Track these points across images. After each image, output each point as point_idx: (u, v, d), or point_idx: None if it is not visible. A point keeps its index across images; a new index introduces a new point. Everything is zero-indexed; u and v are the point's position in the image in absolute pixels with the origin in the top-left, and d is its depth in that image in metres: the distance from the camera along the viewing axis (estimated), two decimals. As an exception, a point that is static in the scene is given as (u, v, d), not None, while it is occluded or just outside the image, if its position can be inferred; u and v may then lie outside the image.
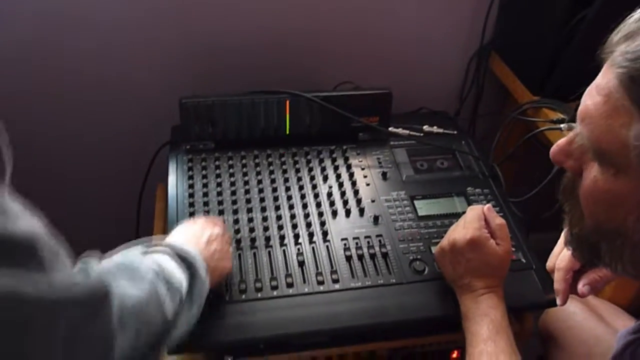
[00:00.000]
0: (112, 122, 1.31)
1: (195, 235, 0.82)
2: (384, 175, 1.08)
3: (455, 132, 1.21)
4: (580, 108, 0.54)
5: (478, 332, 0.78)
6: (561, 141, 0.58)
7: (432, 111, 1.32)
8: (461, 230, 0.84)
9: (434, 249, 0.91)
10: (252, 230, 0.96)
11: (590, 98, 0.52)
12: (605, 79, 0.50)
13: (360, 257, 0.93)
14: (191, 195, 1.01)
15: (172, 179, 1.05)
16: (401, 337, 0.95)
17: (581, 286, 0.78)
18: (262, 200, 1.01)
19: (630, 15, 0.50)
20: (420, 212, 1.02)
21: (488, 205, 0.88)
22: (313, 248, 0.94)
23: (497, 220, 0.85)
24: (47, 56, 1.18)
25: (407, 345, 1.04)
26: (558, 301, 0.81)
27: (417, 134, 1.18)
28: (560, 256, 0.81)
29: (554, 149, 0.59)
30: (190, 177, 1.05)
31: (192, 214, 0.98)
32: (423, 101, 1.34)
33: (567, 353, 1.01)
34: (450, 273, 0.85)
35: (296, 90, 1.10)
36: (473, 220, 0.84)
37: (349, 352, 1.02)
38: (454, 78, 1.42)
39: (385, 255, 0.94)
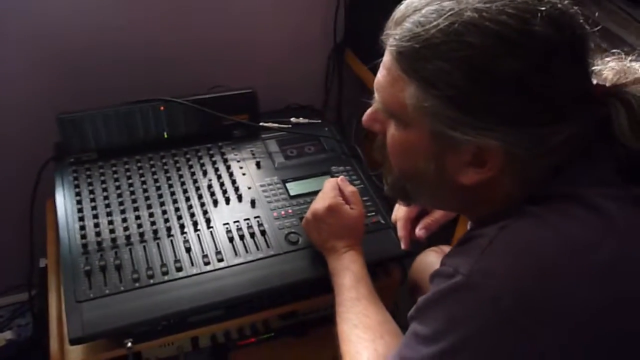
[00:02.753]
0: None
1: None
2: (258, 164, 1.21)
3: (320, 121, 1.36)
4: (375, 81, 0.69)
5: (342, 283, 0.90)
6: (368, 110, 0.73)
7: (300, 106, 1.47)
8: (320, 201, 0.97)
9: (303, 222, 1.05)
10: (140, 226, 1.05)
11: (380, 72, 0.67)
12: (386, 57, 0.65)
13: (242, 237, 1.05)
14: (79, 202, 1.08)
15: (59, 191, 1.12)
16: (285, 302, 1.08)
17: (418, 230, 0.95)
18: (147, 199, 1.10)
19: (400, 4, 0.65)
20: (292, 192, 1.15)
21: (341, 177, 1.03)
22: (198, 235, 1.05)
23: (349, 188, 1.00)
24: None
25: (294, 310, 1.17)
26: (402, 246, 0.98)
27: (286, 125, 1.32)
28: (398, 208, 0.98)
29: (363, 118, 0.73)
30: (77, 186, 1.12)
31: (81, 219, 1.05)
32: (292, 98, 1.48)
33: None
34: (316, 239, 0.98)
35: (169, 97, 1.20)
36: (328, 191, 0.98)
37: (244, 323, 1.14)
38: (317, 75, 1.58)
39: (263, 233, 1.06)
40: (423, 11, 0.60)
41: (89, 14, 1.26)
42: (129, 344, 0.93)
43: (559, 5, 0.59)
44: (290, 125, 1.32)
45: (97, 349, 0.98)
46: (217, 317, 1.04)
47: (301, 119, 1.35)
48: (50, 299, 1.07)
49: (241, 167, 1.20)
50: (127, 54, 1.32)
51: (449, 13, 0.58)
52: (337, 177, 1.10)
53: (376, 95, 0.69)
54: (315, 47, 1.54)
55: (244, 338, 1.20)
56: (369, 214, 1.11)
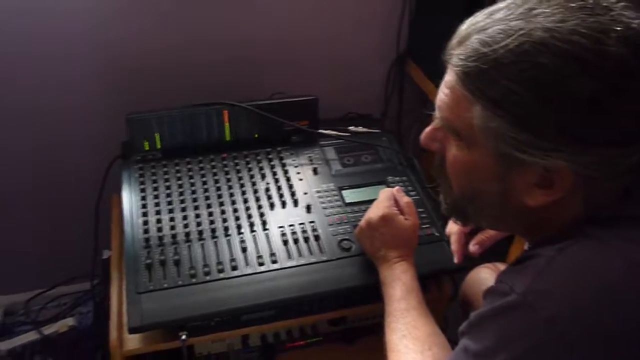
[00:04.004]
0: (66, 141, 1.42)
1: None
2: (315, 170, 1.23)
3: (379, 131, 1.37)
4: (436, 100, 0.69)
5: (393, 294, 0.90)
6: (427, 129, 0.73)
7: (359, 114, 1.48)
8: (374, 210, 0.98)
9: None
10: (199, 224, 1.08)
11: (442, 91, 0.67)
12: (449, 77, 0.65)
13: (296, 241, 1.07)
14: (143, 199, 1.13)
15: (125, 187, 1.17)
16: (335, 308, 1.09)
17: (471, 246, 0.95)
18: (207, 198, 1.14)
19: (463, 22, 0.66)
20: (347, 200, 1.17)
21: (397, 187, 1.03)
22: (254, 236, 1.08)
23: (405, 199, 1.00)
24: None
25: (343, 317, 1.18)
26: (455, 260, 0.97)
27: (344, 133, 1.33)
28: (452, 223, 0.97)
29: (422, 136, 0.74)
30: (142, 184, 1.17)
31: (144, 215, 1.10)
32: (351, 106, 1.50)
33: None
34: (368, 248, 0.99)
35: (233, 101, 1.23)
36: (383, 200, 0.99)
37: (293, 325, 1.16)
38: (377, 84, 1.60)
39: (317, 238, 1.08)
40: (489, 31, 0.60)
41: (155, 18, 1.31)
42: (183, 337, 0.97)
43: (633, 25, 0.57)
44: (348, 134, 1.34)
45: (152, 339, 1.02)
46: (268, 317, 1.07)
47: (360, 127, 1.36)
48: (111, 290, 1.12)
49: (298, 173, 1.22)
50: (191, 57, 1.37)
51: (518, 33, 0.57)
52: (393, 187, 1.10)
53: (438, 114, 0.69)
54: (377, 57, 1.55)
55: (293, 340, 1.22)
56: (423, 226, 1.11)
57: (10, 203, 1.48)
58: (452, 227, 0.99)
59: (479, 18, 0.63)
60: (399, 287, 0.90)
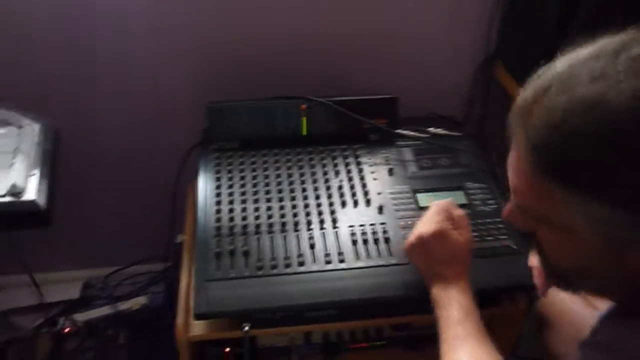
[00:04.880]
0: (150, 124, 1.46)
1: None
2: (390, 171, 1.20)
3: (460, 134, 1.32)
4: (510, 182, 0.64)
5: (448, 317, 0.84)
6: (504, 212, 0.69)
7: (441, 116, 1.43)
8: (425, 225, 0.91)
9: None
10: (270, 217, 1.09)
11: (512, 171, 0.62)
12: (518, 154, 0.60)
13: (365, 242, 1.05)
14: (218, 188, 1.15)
15: (201, 175, 1.19)
16: (401, 313, 1.06)
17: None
18: (279, 192, 1.14)
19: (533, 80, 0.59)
20: (422, 204, 1.13)
21: (449, 199, 0.96)
22: (323, 233, 1.06)
23: (457, 212, 0.93)
24: (80, 60, 1.34)
25: (408, 323, 1.15)
26: (539, 294, 0.91)
27: (424, 135, 1.29)
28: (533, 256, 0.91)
29: (503, 212, 0.70)
30: (217, 172, 1.18)
31: (218, 204, 1.11)
32: (433, 107, 1.45)
33: (557, 333, 1.10)
34: (420, 264, 0.92)
35: (312, 95, 1.23)
36: (434, 214, 0.92)
37: (357, 327, 1.14)
38: (462, 86, 1.54)
39: (387, 240, 1.05)
40: (562, 98, 0.55)
41: (243, 6, 1.32)
42: (246, 328, 0.97)
43: None
44: (428, 135, 1.30)
45: (217, 327, 1.03)
46: (332, 316, 1.05)
47: (440, 129, 1.32)
48: (182, 274, 1.14)
49: (373, 172, 1.20)
50: (275, 48, 1.37)
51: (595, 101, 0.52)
52: (472, 194, 1.05)
53: (513, 197, 0.64)
54: (463, 58, 1.49)
55: (356, 341, 1.20)
56: (500, 237, 1.06)
57: (97, 184, 1.55)
58: (534, 261, 0.92)
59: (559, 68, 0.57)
60: (456, 309, 0.84)
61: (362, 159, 1.23)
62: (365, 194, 1.14)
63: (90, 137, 1.45)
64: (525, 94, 0.59)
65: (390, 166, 1.21)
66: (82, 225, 1.57)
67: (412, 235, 0.92)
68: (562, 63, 0.58)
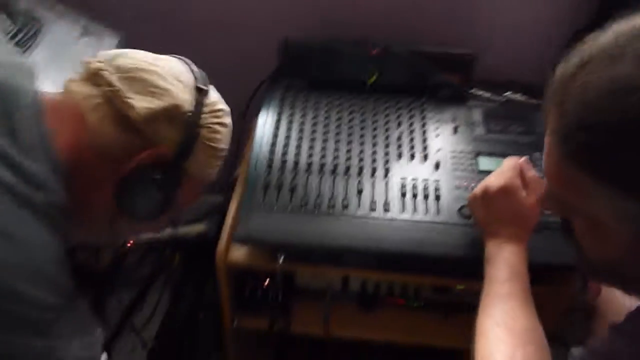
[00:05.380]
0: (223, 56, 1.45)
1: None
2: (455, 129, 1.15)
3: (538, 103, 1.24)
4: (544, 165, 0.59)
5: (495, 275, 0.81)
6: (539, 199, 0.67)
7: (521, 82, 1.35)
8: (495, 178, 0.88)
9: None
10: (322, 157, 1.08)
11: (547, 158, 0.58)
12: (551, 140, 0.56)
13: (414, 196, 1.02)
14: (277, 123, 1.15)
15: (264, 110, 1.20)
16: (439, 274, 1.03)
17: None
18: (337, 134, 1.13)
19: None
20: (481, 167, 1.08)
21: (525, 157, 0.91)
22: (373, 181, 1.04)
23: (531, 173, 0.89)
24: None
25: (448, 286, 1.12)
26: (589, 296, 0.86)
27: (498, 98, 1.23)
28: None
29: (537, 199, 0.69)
30: (280, 108, 1.18)
31: (274, 138, 1.12)
32: (514, 72, 1.37)
33: (604, 321, 1.04)
34: (481, 218, 0.89)
35: (387, 43, 1.19)
36: (507, 170, 0.88)
37: (396, 281, 1.12)
38: (550, 53, 1.43)
39: (437, 198, 1.02)
40: (601, 76, 0.49)
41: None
42: (282, 258, 0.98)
43: None
44: (502, 99, 1.23)
45: (255, 257, 1.05)
46: (369, 264, 1.04)
47: (518, 95, 1.24)
48: (231, 204, 1.16)
49: (437, 128, 1.15)
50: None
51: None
52: (539, 165, 0.98)
53: (547, 180, 0.59)
54: (557, 22, 1.39)
55: (393, 297, 1.19)
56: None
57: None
58: None
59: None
60: (505, 268, 0.81)
61: (428, 114, 1.18)
62: (424, 148, 1.11)
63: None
64: (563, 67, 0.54)
65: (456, 125, 1.16)
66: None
67: (479, 187, 0.89)
68: (609, 34, 0.52)
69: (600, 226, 0.55)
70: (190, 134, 0.71)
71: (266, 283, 1.16)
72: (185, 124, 0.71)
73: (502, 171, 0.89)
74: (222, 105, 0.77)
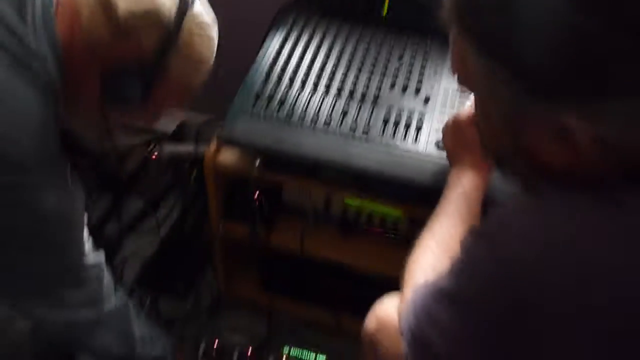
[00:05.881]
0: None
1: None
2: (455, 70, 1.16)
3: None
4: None
5: (448, 196, 0.84)
6: None
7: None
8: (467, 108, 0.90)
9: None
10: (318, 78, 1.11)
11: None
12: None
13: (396, 124, 1.05)
14: (284, 40, 1.19)
15: (273, 29, 1.23)
16: (412, 202, 1.06)
17: None
18: (338, 59, 1.16)
19: None
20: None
21: None
22: (360, 105, 1.07)
23: None
24: None
25: (421, 217, 1.15)
26: None
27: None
28: None
29: None
30: (289, 29, 1.22)
31: (277, 53, 1.16)
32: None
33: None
34: (448, 145, 0.91)
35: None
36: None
37: (375, 210, 1.16)
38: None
39: (418, 129, 1.04)
40: None
41: None
42: (257, 163, 1.04)
43: None
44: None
45: (240, 162, 1.11)
46: (345, 183, 1.08)
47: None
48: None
49: (437, 66, 1.16)
50: None
51: None
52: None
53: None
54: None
55: (372, 226, 1.23)
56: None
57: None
58: None
59: None
60: (457, 189, 0.84)
61: (433, 54, 1.19)
62: (419, 82, 1.12)
63: None
64: None
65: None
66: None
67: (451, 117, 0.91)
68: None
69: (482, 102, 0.57)
70: (168, 38, 0.77)
71: (257, 192, 1.22)
72: (165, 29, 0.76)
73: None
74: (206, 18, 0.82)
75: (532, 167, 0.53)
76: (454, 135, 0.90)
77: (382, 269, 1.18)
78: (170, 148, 1.81)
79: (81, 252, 0.88)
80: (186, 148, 1.82)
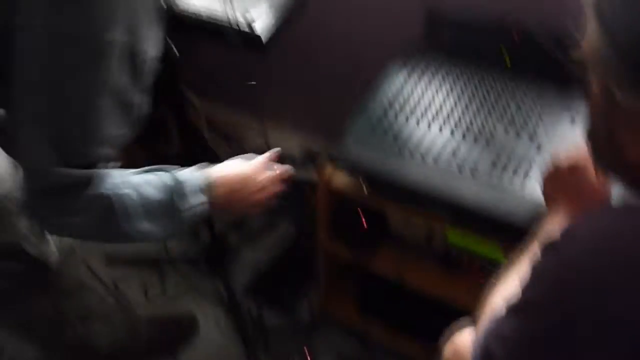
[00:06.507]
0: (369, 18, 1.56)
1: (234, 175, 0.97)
2: (573, 119, 1.16)
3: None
4: None
5: (538, 236, 0.85)
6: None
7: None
8: (568, 153, 0.90)
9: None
10: (435, 114, 1.18)
11: None
12: None
13: (505, 167, 1.07)
14: (410, 72, 1.27)
15: (400, 62, 1.30)
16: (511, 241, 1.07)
17: None
18: (458, 99, 1.21)
19: None
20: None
21: None
22: (471, 145, 1.11)
23: None
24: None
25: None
26: None
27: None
28: None
29: None
30: (413, 65, 1.30)
31: (402, 86, 1.24)
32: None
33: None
34: (547, 189, 0.91)
35: (526, 25, 1.22)
36: (582, 147, 0.88)
37: (469, 242, 1.18)
38: None
39: (526, 175, 1.06)
40: None
41: None
42: (366, 188, 1.12)
43: None
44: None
45: (350, 186, 1.19)
46: (451, 218, 1.12)
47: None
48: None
49: (555, 115, 1.17)
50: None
51: None
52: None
53: None
54: None
55: (473, 263, 1.25)
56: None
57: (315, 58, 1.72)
58: None
59: None
60: (547, 234, 0.84)
61: (552, 101, 1.20)
62: (534, 128, 1.14)
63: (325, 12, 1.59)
64: None
65: (574, 115, 1.16)
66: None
67: (551, 163, 0.92)
68: None
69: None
70: None
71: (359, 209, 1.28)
72: None
73: (576, 148, 0.91)
74: None
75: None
76: (553, 180, 0.91)
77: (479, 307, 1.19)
78: (294, 171, 1.95)
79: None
80: (305, 171, 1.95)
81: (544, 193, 0.94)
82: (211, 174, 0.93)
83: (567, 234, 0.55)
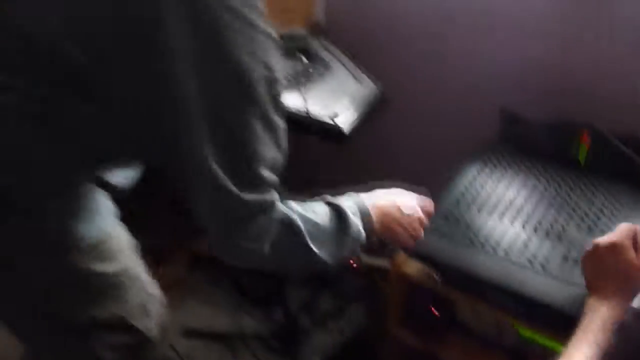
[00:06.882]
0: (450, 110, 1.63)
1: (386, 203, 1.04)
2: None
3: None
4: None
5: (585, 324, 0.86)
6: None
7: None
8: (607, 236, 0.93)
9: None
10: (506, 207, 1.22)
11: None
12: None
13: (576, 261, 1.09)
14: (481, 169, 1.34)
15: (476, 157, 1.37)
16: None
17: None
18: (530, 195, 1.26)
19: None
20: None
21: None
22: (542, 239, 1.14)
23: None
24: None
25: None
26: None
27: None
28: None
29: None
30: (489, 157, 1.37)
31: (473, 180, 1.30)
32: None
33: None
34: (587, 273, 0.95)
35: (598, 126, 1.27)
36: (621, 230, 0.92)
37: (538, 339, 1.18)
38: None
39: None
40: None
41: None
42: (437, 277, 1.16)
43: None
44: None
45: (421, 274, 1.23)
46: (520, 313, 1.13)
47: None
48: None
49: (628, 213, 1.19)
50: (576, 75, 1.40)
51: None
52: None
53: None
54: None
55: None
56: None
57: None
58: None
59: None
60: (595, 322, 0.86)
61: (625, 199, 1.22)
62: (606, 225, 1.16)
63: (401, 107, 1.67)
64: None
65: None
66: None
67: (592, 244, 0.95)
68: None
69: None
70: None
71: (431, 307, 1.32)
72: None
73: (615, 232, 0.93)
74: None
75: None
76: (594, 264, 0.94)
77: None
78: (366, 259, 2.00)
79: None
80: (380, 260, 2.00)
81: (585, 275, 0.96)
82: (364, 200, 0.99)
83: None
